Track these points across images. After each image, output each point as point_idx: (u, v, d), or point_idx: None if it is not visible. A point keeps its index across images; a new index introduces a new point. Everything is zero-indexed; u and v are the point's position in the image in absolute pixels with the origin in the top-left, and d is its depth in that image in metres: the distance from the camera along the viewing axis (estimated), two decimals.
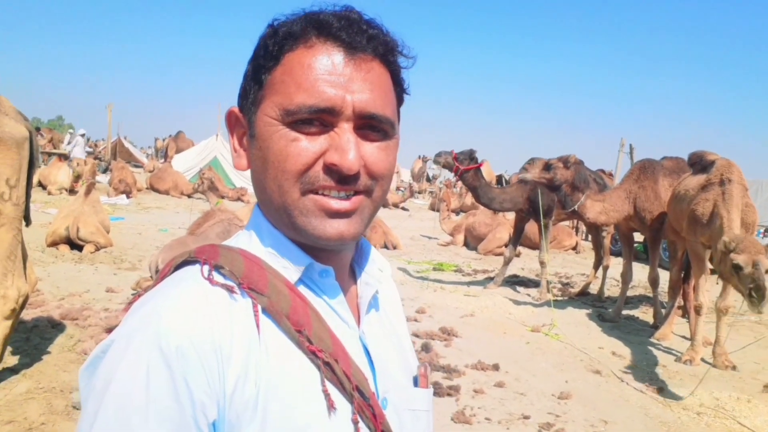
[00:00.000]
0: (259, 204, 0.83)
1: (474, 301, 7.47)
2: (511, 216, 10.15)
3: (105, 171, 21.32)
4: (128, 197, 15.87)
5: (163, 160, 26.19)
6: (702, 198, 5.61)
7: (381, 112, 0.75)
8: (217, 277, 0.71)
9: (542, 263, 8.05)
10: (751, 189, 14.22)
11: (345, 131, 0.73)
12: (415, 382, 0.89)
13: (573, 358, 5.61)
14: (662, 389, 4.89)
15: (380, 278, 0.88)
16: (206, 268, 0.72)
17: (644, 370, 5.39)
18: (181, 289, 0.70)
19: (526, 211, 8.18)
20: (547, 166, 6.59)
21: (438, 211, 14.78)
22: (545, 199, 7.61)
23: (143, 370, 0.63)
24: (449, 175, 14.94)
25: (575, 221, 13.24)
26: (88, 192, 8.87)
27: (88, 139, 29.79)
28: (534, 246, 11.69)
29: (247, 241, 0.81)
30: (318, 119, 0.73)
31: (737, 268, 4.64)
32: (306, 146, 0.73)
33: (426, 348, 5.36)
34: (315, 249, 0.79)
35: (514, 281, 9.24)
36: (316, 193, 0.74)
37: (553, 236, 12.89)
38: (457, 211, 18.23)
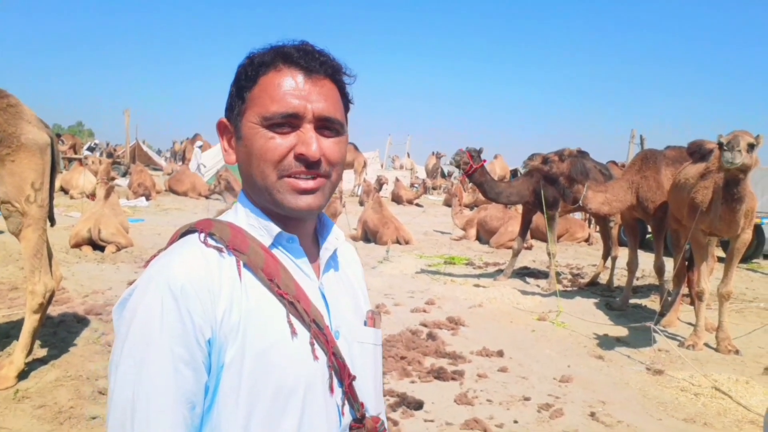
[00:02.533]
0: (244, 189, 1.10)
1: (483, 292, 7.64)
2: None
3: (124, 174, 21.78)
4: (148, 199, 16.27)
5: (181, 163, 26.63)
6: (701, 186, 5.72)
7: (333, 115, 1.03)
8: (211, 242, 0.99)
9: (550, 254, 8.20)
10: (765, 177, 14.15)
11: (308, 130, 1.00)
12: (365, 323, 1.16)
13: (577, 344, 5.77)
14: (662, 372, 5.03)
15: (336, 244, 1.15)
16: (203, 235, 1.00)
17: (647, 355, 5.53)
18: (184, 249, 0.98)
19: (533, 203, 8.33)
20: (545, 160, 6.77)
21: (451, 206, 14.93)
22: (550, 191, 7.74)
23: (158, 303, 0.91)
24: None
25: (587, 214, 13.29)
26: (107, 195, 9.21)
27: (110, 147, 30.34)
28: (546, 238, 11.83)
29: (234, 216, 1.09)
30: (287, 122, 1.00)
31: (720, 144, 4.91)
32: (280, 142, 1.00)
33: (431, 337, 5.56)
34: (286, 220, 1.06)
35: (525, 273, 9.39)
36: (290, 176, 1.01)
37: (566, 228, 12.99)
38: (471, 206, 18.34)
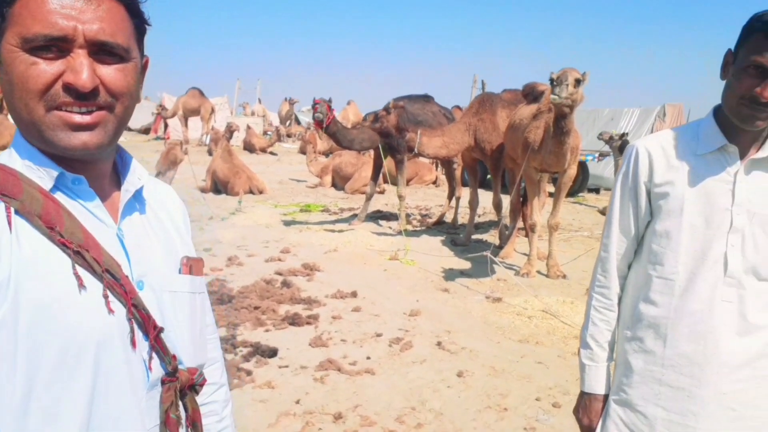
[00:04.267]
0: (17, 125, 0.93)
1: (337, 237, 7.72)
2: None
3: None
4: None
5: None
6: (533, 126, 6.14)
7: (111, 39, 0.89)
8: None
9: (400, 197, 8.45)
10: (589, 118, 15.61)
11: (79, 56, 0.86)
12: (180, 271, 1.06)
13: (425, 280, 6.07)
14: (501, 300, 5.46)
15: (138, 183, 1.03)
16: None
17: (487, 285, 5.96)
18: None
19: (385, 148, 8.48)
20: (376, 118, 6.99)
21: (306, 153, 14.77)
22: (390, 143, 7.97)
23: None
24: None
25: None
26: None
27: None
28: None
29: (7, 157, 0.93)
30: (54, 46, 0.85)
31: (551, 80, 5.24)
32: (45, 69, 0.85)
33: (286, 284, 5.54)
34: (70, 161, 0.92)
35: (378, 216, 9.63)
36: (60, 109, 0.87)
37: (415, 172, 13.45)
38: (326, 153, 18.29)
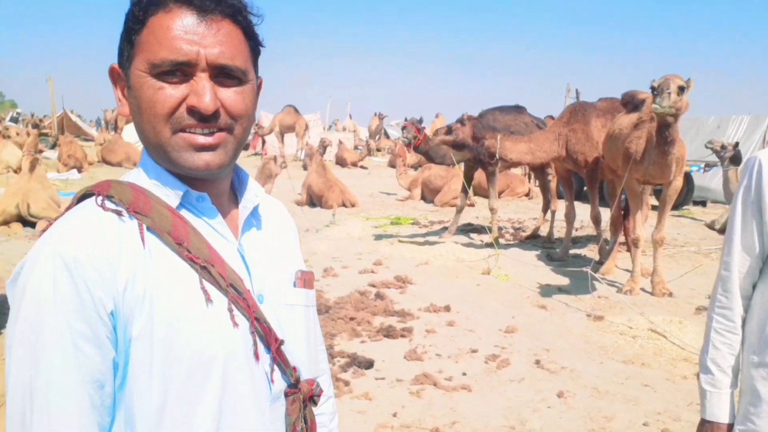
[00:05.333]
0: (144, 146, 0.99)
1: (429, 250, 7.72)
2: None
3: (53, 147, 20.70)
4: (79, 172, 15.57)
5: (113, 132, 25.53)
6: (635, 136, 5.88)
7: (231, 62, 0.92)
8: (109, 205, 0.89)
9: (492, 209, 8.34)
10: (693, 127, 14.75)
11: (201, 79, 0.90)
12: (295, 284, 1.08)
13: (520, 295, 5.93)
14: (603, 318, 5.24)
15: (255, 200, 1.07)
16: (99, 198, 0.90)
17: (587, 302, 5.74)
18: (78, 215, 0.89)
19: (474, 160, 8.42)
20: (449, 130, 7.00)
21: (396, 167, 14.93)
22: (472, 153, 7.93)
23: (50, 275, 0.82)
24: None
25: (526, 169, 13.55)
26: (32, 168, 8.69)
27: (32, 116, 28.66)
28: (488, 194, 12.03)
29: (136, 176, 0.98)
30: (179, 70, 0.90)
31: (652, 89, 4.99)
32: (171, 93, 0.89)
33: (380, 296, 5.60)
34: (193, 180, 0.97)
35: (468, 229, 9.54)
36: (184, 131, 0.91)
37: (507, 184, 13.23)
38: (415, 166, 18.39)
